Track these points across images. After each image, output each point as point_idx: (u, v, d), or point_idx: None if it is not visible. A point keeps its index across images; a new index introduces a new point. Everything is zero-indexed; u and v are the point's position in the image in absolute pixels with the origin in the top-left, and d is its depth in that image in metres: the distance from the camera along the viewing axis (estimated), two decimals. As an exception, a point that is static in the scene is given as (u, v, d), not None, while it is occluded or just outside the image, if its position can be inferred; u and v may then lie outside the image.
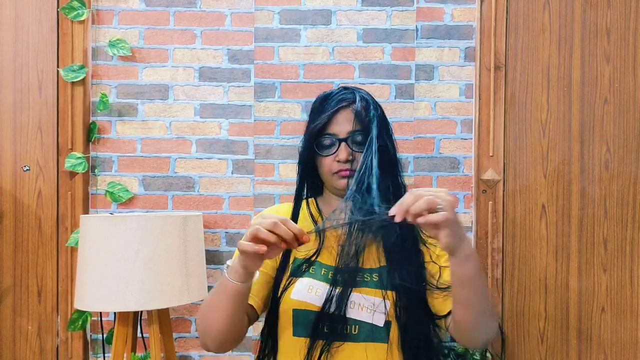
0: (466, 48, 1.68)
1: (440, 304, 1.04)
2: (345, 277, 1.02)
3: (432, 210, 0.84)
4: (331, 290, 1.01)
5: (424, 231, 1.07)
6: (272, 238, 0.84)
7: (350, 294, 1.01)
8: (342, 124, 1.06)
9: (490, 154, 1.65)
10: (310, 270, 1.05)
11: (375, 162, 1.02)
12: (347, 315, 1.01)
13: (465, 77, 1.68)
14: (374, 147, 1.03)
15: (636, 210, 1.63)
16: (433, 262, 1.07)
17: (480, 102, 1.65)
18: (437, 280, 1.05)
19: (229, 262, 0.95)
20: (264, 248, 0.85)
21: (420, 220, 0.84)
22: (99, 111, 1.67)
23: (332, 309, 1.00)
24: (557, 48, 1.65)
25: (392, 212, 0.86)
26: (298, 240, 0.87)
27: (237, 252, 0.92)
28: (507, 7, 1.65)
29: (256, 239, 0.85)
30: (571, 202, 1.64)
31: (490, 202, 1.64)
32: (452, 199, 0.87)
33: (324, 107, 1.08)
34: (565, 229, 1.64)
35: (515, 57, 1.65)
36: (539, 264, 1.64)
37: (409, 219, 0.85)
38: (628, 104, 1.64)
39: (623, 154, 1.63)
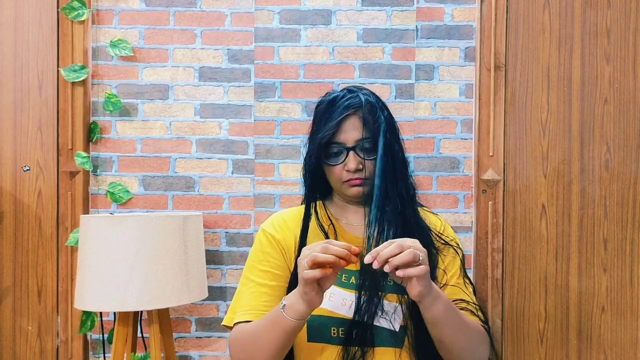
0: (466, 48, 1.68)
1: None
2: (374, 282, 1.00)
3: (412, 263, 0.83)
4: (360, 297, 0.99)
5: (391, 277, 0.98)
6: (331, 258, 0.84)
7: (382, 300, 1.00)
8: (350, 132, 1.03)
9: (490, 154, 1.65)
10: None
11: (387, 169, 1.00)
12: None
13: (465, 77, 1.68)
14: (385, 153, 1.01)
15: (636, 210, 1.63)
16: (443, 269, 1.08)
17: (480, 102, 1.65)
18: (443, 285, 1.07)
19: (284, 302, 0.93)
20: (330, 270, 0.85)
21: (399, 273, 0.83)
22: (108, 112, 1.67)
23: (363, 317, 0.99)
24: (557, 48, 1.65)
25: (368, 259, 0.85)
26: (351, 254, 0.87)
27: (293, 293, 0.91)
28: (507, 7, 1.65)
29: (317, 264, 0.85)
30: (571, 202, 1.64)
31: (490, 202, 1.64)
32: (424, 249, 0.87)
33: (330, 114, 1.04)
34: (565, 229, 1.64)
35: (515, 57, 1.65)
36: (539, 264, 1.64)
37: (387, 269, 0.84)
38: (628, 104, 1.64)
39: (623, 154, 1.63)
